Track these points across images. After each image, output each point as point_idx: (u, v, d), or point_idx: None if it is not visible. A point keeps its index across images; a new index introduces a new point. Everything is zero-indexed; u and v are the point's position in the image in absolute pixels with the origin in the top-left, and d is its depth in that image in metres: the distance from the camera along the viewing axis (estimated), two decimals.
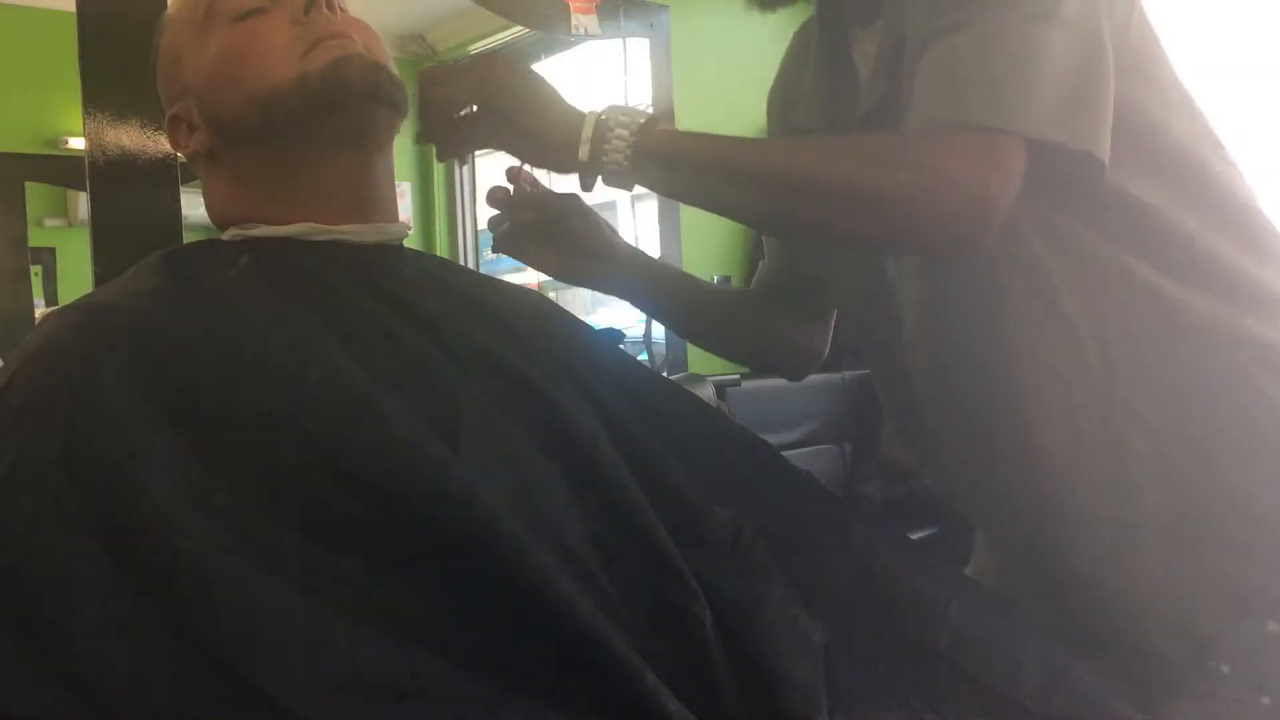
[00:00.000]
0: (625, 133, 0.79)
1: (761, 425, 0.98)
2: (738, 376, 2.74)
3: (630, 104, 0.85)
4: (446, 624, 0.61)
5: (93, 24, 1.12)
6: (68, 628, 0.56)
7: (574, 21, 2.54)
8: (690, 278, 1.15)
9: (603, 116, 0.80)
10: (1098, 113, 0.75)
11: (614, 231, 1.08)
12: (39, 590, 0.58)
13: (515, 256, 1.05)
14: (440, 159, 0.89)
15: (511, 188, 1.02)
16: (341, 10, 0.86)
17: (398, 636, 0.59)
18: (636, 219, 3.30)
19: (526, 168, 0.99)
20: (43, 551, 0.59)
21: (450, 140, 0.87)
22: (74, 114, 1.25)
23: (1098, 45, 0.76)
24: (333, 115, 0.81)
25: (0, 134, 3.09)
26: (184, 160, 0.92)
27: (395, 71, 0.84)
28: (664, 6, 2.85)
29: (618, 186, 0.82)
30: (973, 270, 0.84)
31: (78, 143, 2.86)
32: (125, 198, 1.18)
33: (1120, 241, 0.82)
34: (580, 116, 0.80)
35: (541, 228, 1.03)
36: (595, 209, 1.06)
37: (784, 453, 0.92)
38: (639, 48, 2.87)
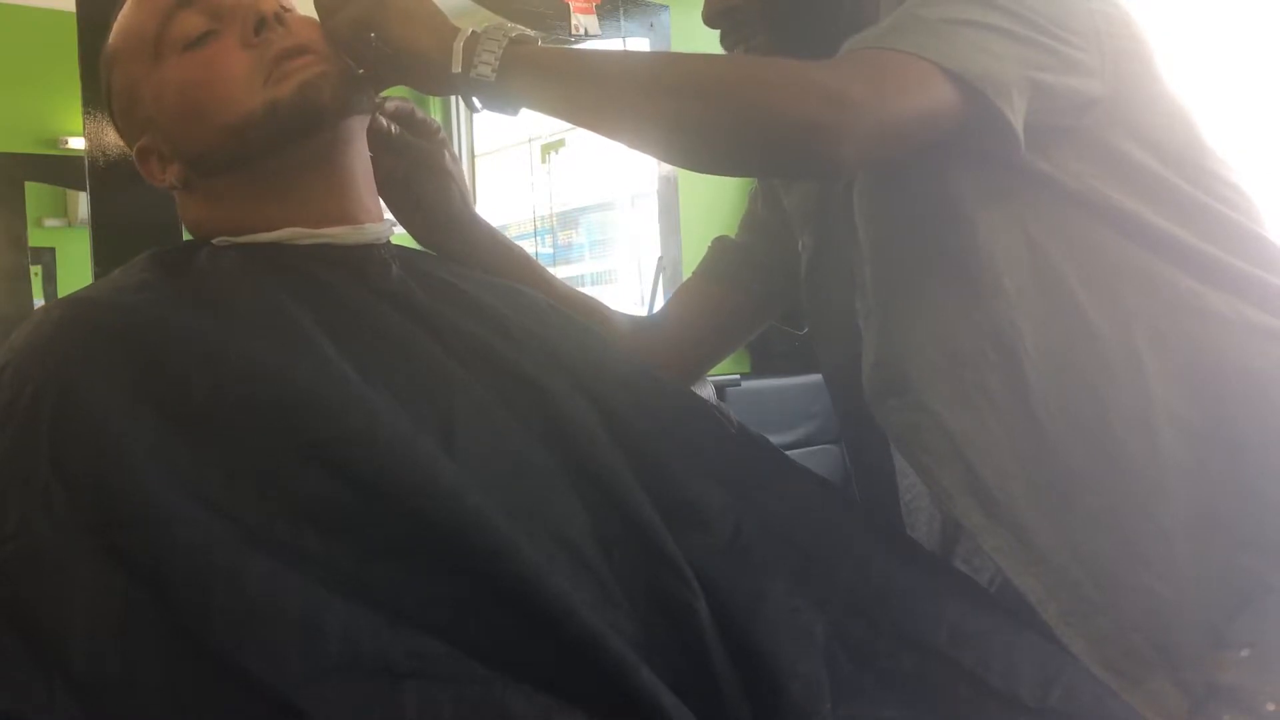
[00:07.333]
0: (495, 45, 0.78)
1: (761, 425, 0.97)
2: (738, 377, 2.74)
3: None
4: (443, 611, 0.62)
5: (92, 25, 1.12)
6: (61, 624, 0.57)
7: (574, 21, 2.55)
8: (553, 283, 1.07)
9: (477, 30, 0.79)
10: (1014, 73, 0.77)
11: (466, 202, 1.01)
12: (31, 587, 0.58)
13: (390, 210, 0.96)
14: (374, 84, 0.87)
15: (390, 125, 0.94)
16: (288, 10, 0.85)
17: (394, 620, 0.60)
18: (636, 218, 3.31)
19: (398, 103, 0.95)
20: (34, 548, 0.59)
21: (369, 66, 0.84)
22: (74, 114, 1.25)
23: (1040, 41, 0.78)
24: (308, 136, 0.81)
25: (0, 134, 3.09)
26: None
27: (355, 68, 0.84)
28: (664, 6, 2.85)
29: (499, 109, 0.81)
30: (986, 275, 0.83)
31: (78, 143, 2.86)
32: (125, 198, 1.18)
33: (1133, 238, 0.82)
34: (456, 31, 0.80)
35: (401, 179, 0.96)
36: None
37: (784, 453, 0.93)
38: (639, 48, 2.87)
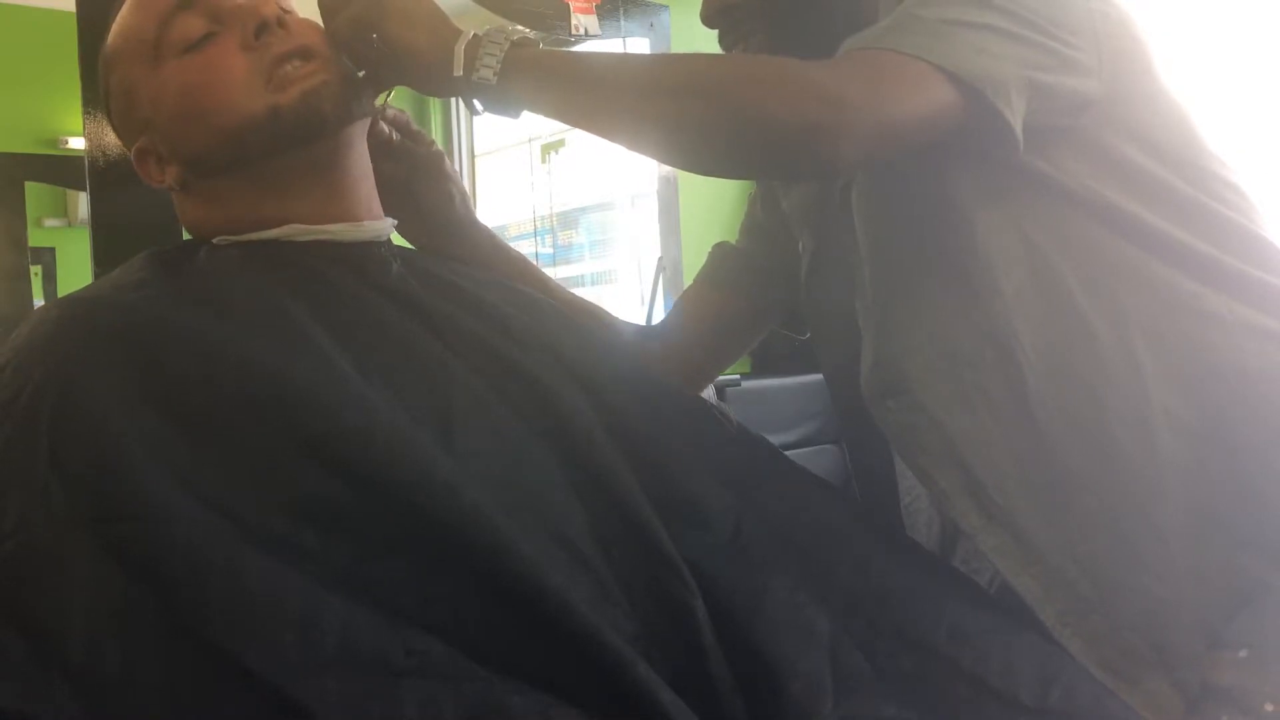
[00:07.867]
0: (497, 48, 0.78)
1: (761, 425, 0.97)
2: (738, 377, 2.74)
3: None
4: (441, 609, 0.62)
5: (92, 25, 1.13)
6: (60, 621, 0.57)
7: (574, 21, 2.55)
8: (552, 287, 1.07)
9: (478, 33, 0.79)
10: (1012, 73, 0.77)
11: (466, 206, 1.02)
12: (30, 584, 0.58)
13: (390, 214, 0.95)
14: (374, 85, 0.87)
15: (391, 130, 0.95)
16: (289, 13, 0.85)
17: (392, 617, 0.60)
18: (636, 218, 3.30)
19: (396, 113, 0.95)
20: (33, 546, 0.60)
21: (370, 67, 0.85)
22: (74, 114, 1.25)
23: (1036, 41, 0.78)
24: (309, 144, 0.81)
25: (0, 134, 3.09)
26: None
27: (354, 70, 0.84)
28: (664, 6, 2.85)
29: (500, 112, 0.81)
30: (984, 275, 0.83)
31: (78, 143, 2.85)
32: (125, 198, 1.18)
33: (1131, 238, 0.82)
34: (457, 33, 0.80)
35: (400, 184, 0.97)
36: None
37: (784, 453, 0.93)
38: (639, 48, 2.87)
